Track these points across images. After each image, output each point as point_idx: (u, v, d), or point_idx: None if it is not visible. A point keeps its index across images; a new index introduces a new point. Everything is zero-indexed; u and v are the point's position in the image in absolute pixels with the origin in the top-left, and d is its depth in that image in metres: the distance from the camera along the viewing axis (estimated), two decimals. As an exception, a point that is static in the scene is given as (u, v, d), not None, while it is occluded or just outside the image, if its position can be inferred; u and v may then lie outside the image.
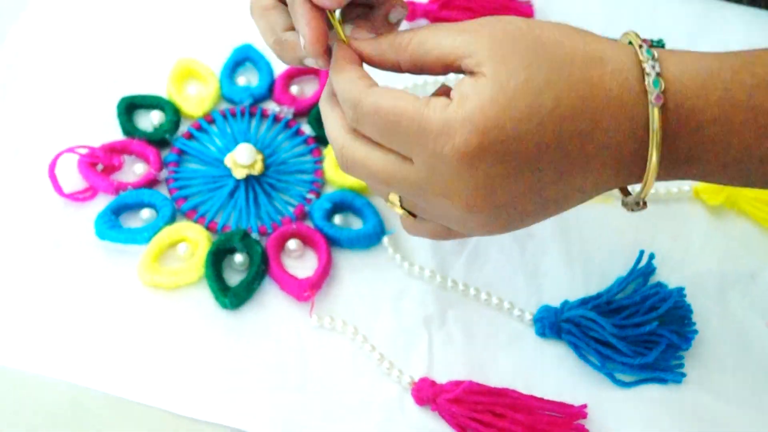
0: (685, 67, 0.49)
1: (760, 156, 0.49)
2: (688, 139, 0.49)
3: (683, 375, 0.59)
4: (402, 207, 0.52)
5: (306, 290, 0.61)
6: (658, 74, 0.48)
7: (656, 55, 0.48)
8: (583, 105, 0.48)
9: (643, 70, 0.48)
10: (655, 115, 0.48)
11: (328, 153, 0.68)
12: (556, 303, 0.62)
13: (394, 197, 0.52)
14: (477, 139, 0.47)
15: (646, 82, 0.48)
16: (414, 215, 0.53)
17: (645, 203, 0.52)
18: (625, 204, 0.52)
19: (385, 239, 0.64)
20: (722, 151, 0.49)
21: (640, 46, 0.49)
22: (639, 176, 0.50)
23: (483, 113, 0.47)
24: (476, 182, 0.48)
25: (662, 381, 0.59)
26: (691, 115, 0.48)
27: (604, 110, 0.48)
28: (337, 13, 0.52)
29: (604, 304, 0.61)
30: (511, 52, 0.48)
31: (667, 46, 0.73)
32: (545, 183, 0.49)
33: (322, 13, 0.51)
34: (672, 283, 0.62)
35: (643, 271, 0.63)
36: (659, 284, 0.62)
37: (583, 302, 0.61)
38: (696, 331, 0.60)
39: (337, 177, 0.67)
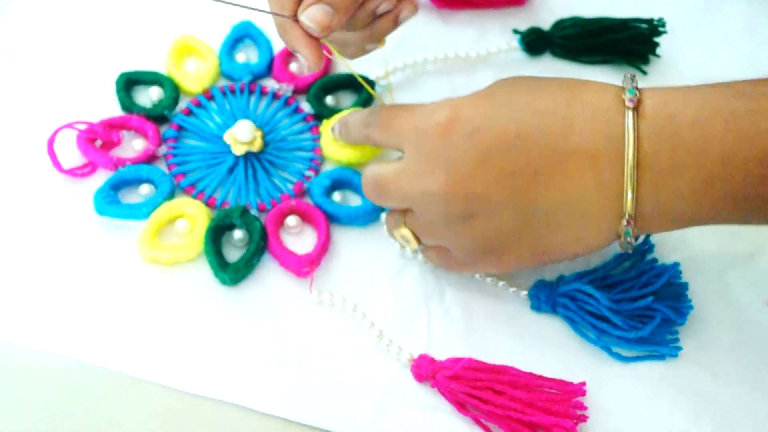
0: (665, 89, 0.53)
1: (745, 160, 0.50)
2: (669, 143, 0.51)
3: (679, 348, 0.59)
4: (406, 226, 0.58)
5: (305, 266, 0.61)
6: (635, 87, 0.52)
7: (636, 81, 0.53)
8: (558, 107, 0.53)
9: (622, 88, 0.53)
10: (629, 116, 0.51)
11: (325, 130, 0.68)
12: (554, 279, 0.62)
13: (399, 226, 0.59)
14: (452, 113, 0.55)
15: (623, 94, 0.52)
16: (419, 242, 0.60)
17: (632, 242, 0.54)
18: (621, 243, 0.55)
19: (383, 216, 0.64)
20: (702, 155, 0.50)
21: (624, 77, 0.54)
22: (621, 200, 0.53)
23: (463, 101, 0.55)
24: (448, 155, 0.54)
25: (659, 356, 0.60)
26: (669, 120, 0.51)
27: (579, 115, 0.53)
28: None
29: (599, 279, 0.61)
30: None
31: (669, 25, 0.73)
32: (520, 182, 0.53)
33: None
34: (670, 260, 0.62)
35: (641, 248, 0.63)
36: (655, 260, 0.62)
37: (579, 276, 0.61)
38: (691, 307, 0.60)
39: (334, 153, 0.67)
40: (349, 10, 0.57)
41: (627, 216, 0.53)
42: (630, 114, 0.52)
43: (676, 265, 0.61)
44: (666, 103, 0.52)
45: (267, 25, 0.73)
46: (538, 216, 0.54)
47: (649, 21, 0.72)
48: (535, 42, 0.74)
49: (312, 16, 0.56)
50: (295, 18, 0.57)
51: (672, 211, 0.53)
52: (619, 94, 0.53)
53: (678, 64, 0.74)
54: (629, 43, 0.72)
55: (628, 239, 0.54)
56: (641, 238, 0.62)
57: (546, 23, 0.74)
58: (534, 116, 0.53)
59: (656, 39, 0.72)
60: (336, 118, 0.67)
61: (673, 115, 0.51)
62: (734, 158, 0.50)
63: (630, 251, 0.55)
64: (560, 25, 0.74)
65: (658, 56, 0.73)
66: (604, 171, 0.52)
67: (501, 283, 0.62)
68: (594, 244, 0.55)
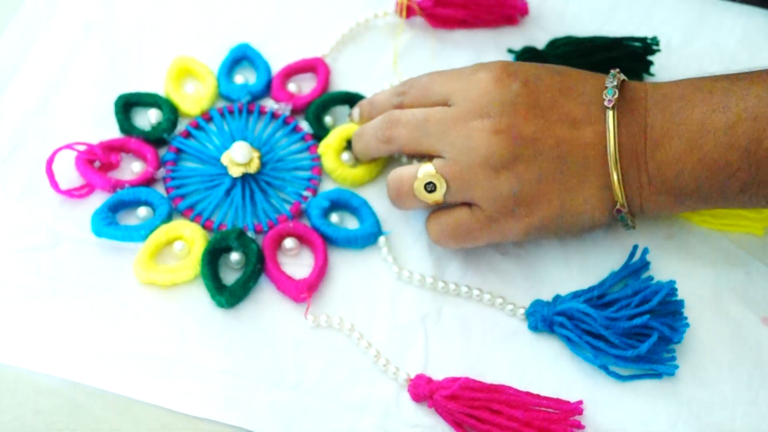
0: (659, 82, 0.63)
1: (715, 129, 0.57)
2: (662, 114, 0.59)
3: (676, 367, 0.60)
4: (438, 173, 0.60)
5: (303, 292, 0.61)
6: (615, 87, 0.60)
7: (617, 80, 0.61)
8: (570, 70, 0.63)
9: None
10: (609, 114, 0.59)
11: (325, 151, 0.68)
12: (551, 299, 0.63)
13: (425, 172, 0.61)
14: (504, 66, 0.61)
15: (604, 93, 0.60)
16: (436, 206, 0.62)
17: (633, 221, 0.61)
18: (620, 219, 0.61)
19: (381, 240, 0.65)
20: (684, 124, 0.58)
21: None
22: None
23: (505, 61, 0.63)
24: (504, 98, 0.60)
25: (656, 374, 0.60)
26: (663, 98, 0.60)
27: (579, 75, 0.62)
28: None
29: (595, 298, 0.62)
30: None
31: (663, 45, 0.73)
32: (563, 132, 0.59)
33: None
34: (666, 279, 0.62)
35: (637, 266, 0.63)
36: (651, 278, 0.62)
37: (575, 296, 0.62)
38: (687, 324, 0.61)
39: (339, 170, 0.67)
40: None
41: (617, 190, 0.59)
42: (610, 113, 0.59)
43: (671, 282, 0.61)
44: (660, 85, 0.61)
45: (265, 47, 0.73)
46: (572, 168, 0.59)
47: (643, 39, 0.72)
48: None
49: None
50: None
51: (659, 180, 0.59)
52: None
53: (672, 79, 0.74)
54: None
55: (623, 212, 0.60)
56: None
57: (540, 42, 0.75)
58: (569, 80, 0.61)
59: (650, 57, 0.73)
60: (332, 136, 0.68)
61: (665, 93, 0.60)
62: (708, 126, 0.57)
63: (628, 222, 0.61)
64: (555, 44, 0.74)
65: (652, 74, 0.73)
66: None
67: (498, 302, 0.62)
68: (607, 214, 0.61)
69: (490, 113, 0.60)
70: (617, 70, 0.62)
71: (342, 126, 0.69)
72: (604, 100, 0.60)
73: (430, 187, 0.61)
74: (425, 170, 0.60)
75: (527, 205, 0.60)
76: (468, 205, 0.61)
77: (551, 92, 0.60)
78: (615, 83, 0.60)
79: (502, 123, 0.59)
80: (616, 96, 0.59)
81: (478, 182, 0.59)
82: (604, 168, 0.59)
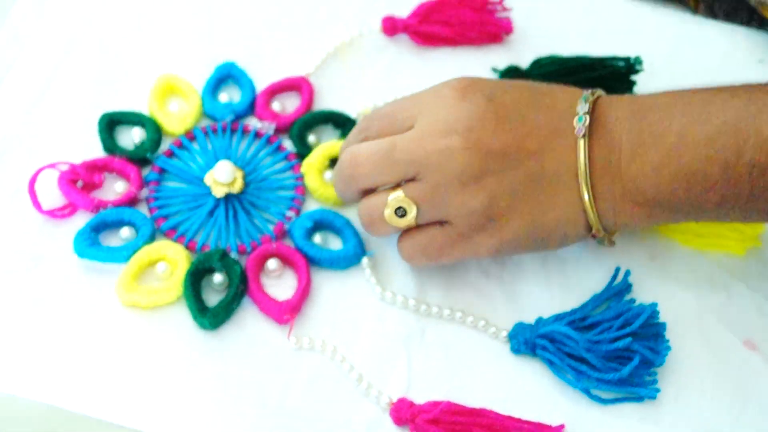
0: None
1: (695, 140, 0.57)
2: (638, 124, 0.59)
3: (657, 390, 0.60)
4: (407, 197, 0.60)
5: (286, 313, 0.61)
6: (585, 114, 0.59)
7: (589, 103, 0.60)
8: (537, 84, 0.63)
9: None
10: (580, 144, 0.59)
11: (309, 170, 0.68)
12: (533, 321, 0.63)
13: (394, 199, 0.60)
14: (468, 80, 0.61)
15: (574, 120, 0.60)
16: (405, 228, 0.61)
17: (610, 238, 0.61)
18: (597, 237, 0.61)
19: (365, 260, 0.65)
20: (662, 135, 0.58)
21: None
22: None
23: (471, 76, 0.62)
24: (470, 113, 0.59)
25: (637, 397, 0.60)
26: (640, 107, 0.59)
27: (548, 89, 0.62)
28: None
29: (578, 320, 0.62)
30: None
31: (646, 63, 0.73)
32: (533, 145, 0.59)
33: None
34: (648, 301, 0.62)
35: (619, 288, 0.63)
36: (633, 301, 0.62)
37: (558, 318, 0.62)
38: (669, 347, 0.61)
39: (322, 189, 0.67)
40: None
41: (589, 205, 0.59)
42: (581, 142, 0.59)
43: (653, 305, 0.62)
44: (637, 97, 0.61)
45: (250, 65, 0.73)
46: (543, 181, 0.59)
47: (626, 59, 0.73)
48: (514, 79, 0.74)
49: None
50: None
51: (634, 192, 0.59)
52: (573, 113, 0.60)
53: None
54: (606, 81, 0.73)
55: (595, 224, 0.60)
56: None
57: (524, 60, 0.75)
58: (526, 88, 0.61)
59: (633, 77, 0.73)
60: (314, 155, 0.68)
61: (642, 104, 0.60)
62: (687, 137, 0.57)
63: (605, 243, 0.62)
64: (538, 63, 0.74)
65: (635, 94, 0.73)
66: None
67: (481, 324, 0.62)
68: (579, 229, 0.60)
69: (457, 129, 0.59)
70: (591, 92, 0.61)
71: (324, 144, 0.69)
72: (575, 128, 0.59)
73: (400, 212, 0.60)
74: (394, 196, 0.60)
75: (498, 219, 0.59)
76: (440, 222, 0.61)
77: (519, 106, 0.60)
78: (586, 109, 0.59)
79: (470, 138, 0.58)
80: (586, 124, 0.59)
81: (449, 200, 0.59)
82: (576, 182, 0.59)
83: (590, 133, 0.59)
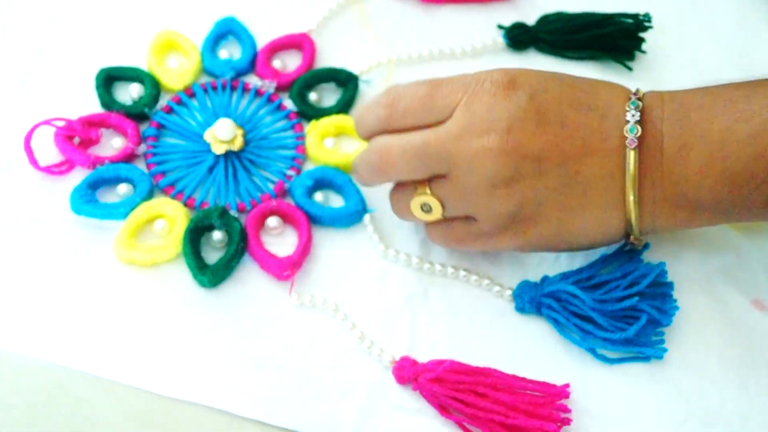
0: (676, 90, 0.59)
1: (738, 139, 0.54)
2: (678, 125, 0.56)
3: (664, 350, 0.59)
4: (432, 195, 0.58)
5: (286, 269, 0.60)
6: (636, 123, 0.56)
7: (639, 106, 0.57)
8: (579, 80, 0.59)
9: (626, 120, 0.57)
10: (630, 155, 0.56)
11: (311, 131, 0.67)
12: (539, 280, 0.62)
13: (420, 195, 0.58)
14: (510, 76, 0.57)
15: (625, 129, 0.56)
16: (439, 215, 0.59)
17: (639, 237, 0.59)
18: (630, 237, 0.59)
19: (366, 218, 0.64)
20: (705, 135, 0.55)
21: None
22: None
23: (513, 68, 0.58)
24: (510, 113, 0.56)
25: (644, 357, 0.59)
26: (680, 107, 0.56)
27: (590, 87, 0.58)
28: None
29: (584, 280, 0.61)
30: None
31: (656, 21, 0.72)
32: (571, 150, 0.56)
33: None
34: (655, 261, 0.61)
35: (629, 249, 0.62)
36: (640, 260, 0.61)
37: (564, 277, 0.61)
38: (677, 307, 0.60)
39: (320, 155, 0.66)
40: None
41: (631, 211, 0.57)
42: (632, 153, 0.56)
43: (661, 264, 0.61)
44: (676, 94, 0.57)
45: (251, 21, 0.72)
46: (577, 186, 0.56)
47: (635, 16, 0.71)
48: (519, 37, 0.73)
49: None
50: None
51: (677, 195, 0.56)
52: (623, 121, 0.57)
53: (665, 59, 0.73)
54: (614, 39, 0.72)
55: (635, 231, 0.58)
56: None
57: (531, 18, 0.74)
58: (580, 92, 0.58)
59: (642, 34, 0.72)
60: (320, 124, 0.67)
61: (682, 102, 0.56)
62: (730, 136, 0.54)
63: (638, 246, 0.60)
64: (545, 20, 0.73)
65: (644, 52, 0.72)
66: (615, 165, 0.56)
67: (485, 283, 0.62)
68: (611, 233, 0.58)
69: (495, 129, 0.56)
70: (636, 95, 0.58)
71: (330, 119, 0.68)
72: (626, 137, 0.56)
73: (426, 207, 0.59)
74: (420, 194, 0.58)
75: (524, 223, 0.57)
76: (467, 217, 0.59)
77: (560, 105, 0.56)
78: (638, 117, 0.56)
79: (508, 141, 0.55)
80: (638, 135, 0.56)
81: (476, 201, 0.57)
82: (615, 187, 0.56)
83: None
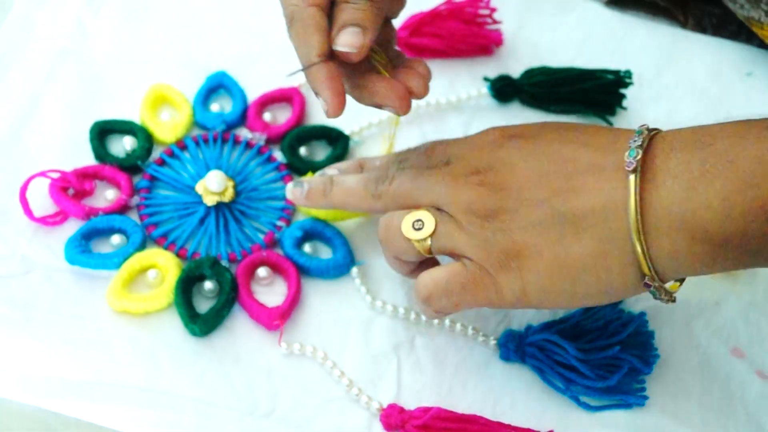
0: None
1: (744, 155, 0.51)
2: (700, 152, 0.52)
3: (646, 398, 0.60)
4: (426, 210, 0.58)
5: (275, 319, 0.61)
6: (638, 147, 0.53)
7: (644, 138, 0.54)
8: (579, 126, 0.59)
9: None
10: (630, 179, 0.53)
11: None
12: (523, 329, 0.63)
13: (415, 212, 0.58)
14: (506, 128, 0.61)
15: (625, 155, 0.54)
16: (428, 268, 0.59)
17: (668, 291, 0.55)
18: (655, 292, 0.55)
19: (354, 270, 0.65)
20: (735, 161, 0.51)
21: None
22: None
23: (506, 126, 0.61)
24: (498, 154, 0.58)
25: (625, 404, 0.60)
26: (702, 133, 0.53)
27: (588, 128, 0.59)
28: None
29: (568, 329, 0.62)
30: None
31: (635, 76, 0.74)
32: (557, 182, 0.55)
33: (339, 78, 0.58)
34: (637, 309, 0.63)
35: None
36: (622, 310, 0.63)
37: (547, 326, 0.62)
38: (658, 356, 0.61)
39: (309, 209, 0.67)
40: (376, 23, 0.58)
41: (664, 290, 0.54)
42: (631, 177, 0.53)
43: (642, 314, 0.62)
44: (700, 127, 0.54)
45: (242, 76, 0.74)
46: (566, 221, 0.54)
47: (616, 72, 0.73)
48: (504, 89, 0.75)
49: (345, 41, 0.57)
50: (322, 60, 0.57)
51: (696, 228, 0.51)
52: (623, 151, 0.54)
53: (644, 113, 0.75)
54: (596, 93, 0.74)
55: (644, 267, 0.53)
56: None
57: (514, 72, 0.76)
58: (576, 132, 0.58)
59: (622, 90, 0.74)
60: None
61: (708, 132, 0.53)
62: (766, 163, 0.50)
63: (662, 297, 0.55)
64: (530, 73, 0.75)
65: (624, 108, 0.74)
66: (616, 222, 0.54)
67: (470, 332, 0.63)
68: (616, 270, 0.54)
69: (481, 169, 0.58)
70: (646, 127, 0.55)
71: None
72: (625, 161, 0.53)
73: (418, 224, 0.58)
74: (415, 211, 0.59)
75: (515, 256, 0.55)
76: (459, 258, 0.58)
77: (552, 145, 0.57)
78: (639, 142, 0.53)
79: (489, 176, 0.57)
80: (638, 158, 0.53)
81: (463, 228, 0.57)
82: (613, 220, 0.53)
83: (641, 168, 0.53)
